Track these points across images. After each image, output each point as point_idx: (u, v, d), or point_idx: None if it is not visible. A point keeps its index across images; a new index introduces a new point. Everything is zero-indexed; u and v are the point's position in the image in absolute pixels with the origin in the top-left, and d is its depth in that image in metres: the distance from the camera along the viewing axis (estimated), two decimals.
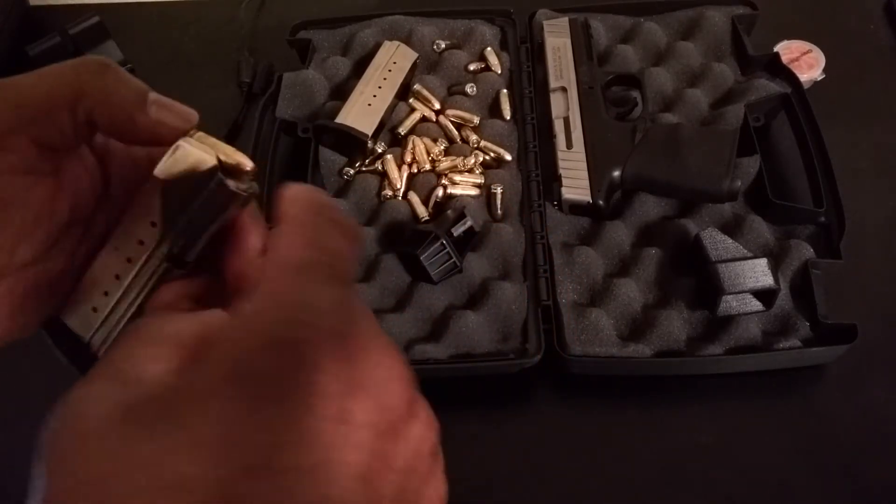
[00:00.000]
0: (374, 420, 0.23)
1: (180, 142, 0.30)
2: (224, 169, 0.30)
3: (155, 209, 0.31)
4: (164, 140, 0.30)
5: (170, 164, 0.30)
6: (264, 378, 0.21)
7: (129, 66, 0.83)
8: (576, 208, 0.71)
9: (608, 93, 0.76)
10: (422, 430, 0.25)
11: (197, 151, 0.30)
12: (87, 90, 0.28)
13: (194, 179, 0.30)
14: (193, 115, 0.30)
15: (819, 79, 0.81)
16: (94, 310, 0.32)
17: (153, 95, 0.30)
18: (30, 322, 0.32)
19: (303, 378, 0.21)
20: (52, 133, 0.29)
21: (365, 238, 0.69)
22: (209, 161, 0.30)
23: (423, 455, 0.25)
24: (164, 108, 0.30)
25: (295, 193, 0.26)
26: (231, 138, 0.81)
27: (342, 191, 0.74)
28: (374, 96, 0.76)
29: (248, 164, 0.31)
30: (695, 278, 0.66)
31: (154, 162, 0.33)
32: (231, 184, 0.30)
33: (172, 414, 0.21)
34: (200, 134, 0.31)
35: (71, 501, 0.21)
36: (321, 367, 0.22)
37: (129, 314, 0.32)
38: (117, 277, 0.32)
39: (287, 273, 0.24)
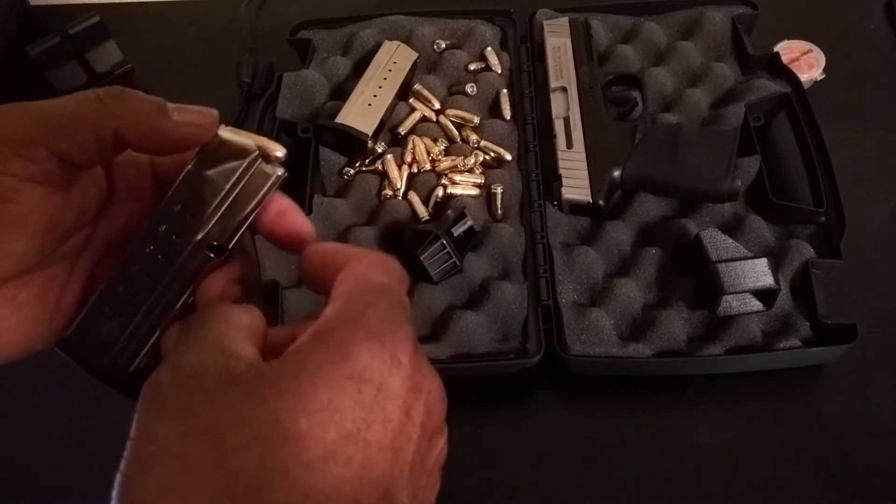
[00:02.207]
0: (423, 422, 0.27)
1: (219, 132, 0.32)
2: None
3: (191, 202, 0.32)
4: (193, 141, 0.31)
5: (207, 154, 0.32)
6: (363, 363, 0.26)
7: (128, 66, 0.83)
8: (576, 208, 0.71)
9: (608, 93, 0.77)
10: (443, 446, 0.29)
11: (237, 138, 0.32)
12: (110, 109, 0.30)
13: (232, 167, 0.31)
14: (214, 111, 0.32)
15: (819, 79, 0.81)
16: (119, 315, 0.32)
17: (172, 104, 0.31)
18: (36, 335, 0.32)
19: (388, 370, 0.26)
20: (72, 148, 0.29)
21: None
22: (250, 147, 0.31)
23: (437, 467, 0.29)
24: (186, 111, 0.31)
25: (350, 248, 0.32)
26: None
27: (342, 191, 0.74)
28: (375, 96, 0.76)
29: (279, 150, 0.32)
30: (695, 278, 0.66)
31: (159, 170, 0.33)
32: (268, 168, 0.32)
33: (286, 382, 0.25)
34: (229, 127, 0.32)
35: (186, 445, 0.24)
36: (402, 363, 0.27)
37: (172, 309, 0.32)
38: (148, 276, 0.32)
39: (374, 290, 0.29)
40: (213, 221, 0.31)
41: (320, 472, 0.24)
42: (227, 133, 0.32)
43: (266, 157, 0.32)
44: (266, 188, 0.32)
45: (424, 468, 0.28)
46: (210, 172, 0.31)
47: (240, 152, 0.31)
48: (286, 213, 0.33)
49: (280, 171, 0.32)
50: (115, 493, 0.25)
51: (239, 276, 0.33)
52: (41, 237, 0.30)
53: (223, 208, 0.31)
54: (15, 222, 0.29)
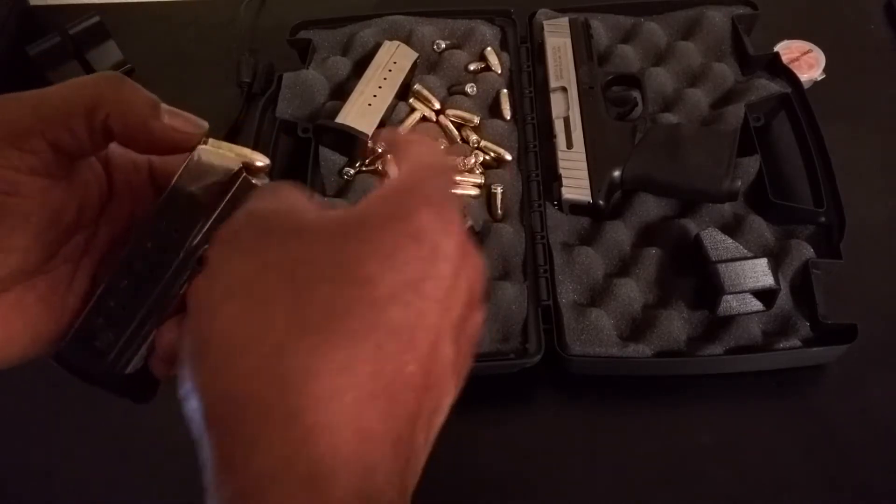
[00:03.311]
0: (468, 289, 0.29)
1: (198, 149, 0.32)
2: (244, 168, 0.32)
3: (177, 218, 0.31)
4: (177, 146, 0.32)
5: (192, 170, 0.32)
6: (423, 223, 0.28)
7: (128, 66, 0.83)
8: (576, 208, 0.71)
9: (608, 93, 0.77)
10: (479, 322, 0.31)
11: (219, 157, 0.32)
12: (104, 98, 0.30)
13: (218, 182, 0.31)
14: (204, 123, 0.32)
15: (819, 79, 0.81)
16: (113, 327, 0.32)
17: (166, 106, 0.31)
18: (43, 338, 0.32)
19: (443, 232, 0.28)
20: (67, 137, 0.29)
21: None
22: (233, 163, 0.31)
23: (472, 341, 0.31)
24: (176, 115, 0.31)
25: (407, 135, 0.35)
26: (231, 138, 0.81)
27: (342, 191, 0.74)
28: (375, 96, 0.76)
29: (263, 161, 0.32)
30: (695, 278, 0.66)
31: (157, 171, 0.33)
32: (253, 180, 0.32)
33: (354, 230, 0.28)
34: (212, 140, 0.32)
35: (265, 276, 0.27)
36: (454, 231, 0.29)
37: (164, 314, 0.32)
38: (138, 289, 0.32)
39: (430, 169, 0.31)
40: (199, 237, 0.31)
41: (383, 311, 0.26)
42: (209, 148, 0.32)
43: (250, 168, 0.32)
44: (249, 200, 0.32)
45: (465, 332, 0.30)
46: (194, 188, 0.31)
47: (223, 168, 0.31)
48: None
49: (263, 181, 0.32)
50: (189, 323, 0.28)
51: None
52: (44, 231, 0.30)
53: (209, 223, 0.31)
54: (17, 215, 0.29)
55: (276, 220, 0.29)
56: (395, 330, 0.26)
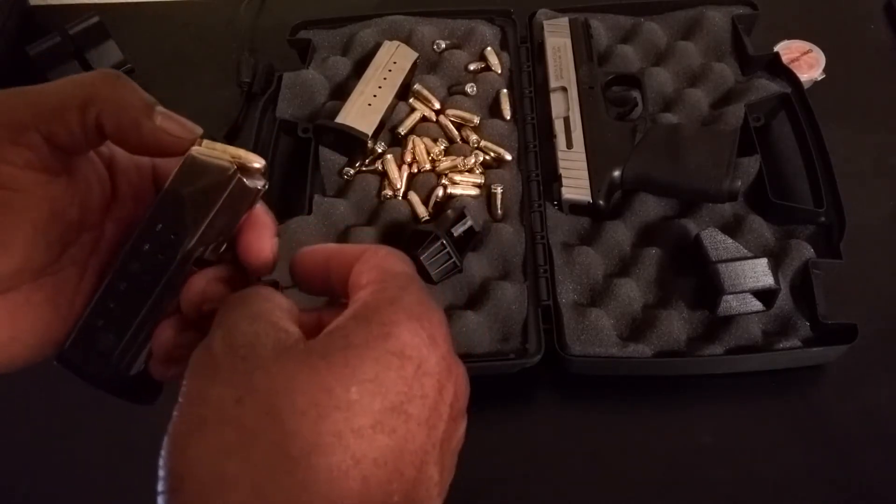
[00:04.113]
0: (452, 403, 0.29)
1: (192, 151, 0.31)
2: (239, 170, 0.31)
3: (172, 221, 0.31)
4: (167, 149, 0.31)
5: (186, 172, 0.31)
6: (405, 340, 0.27)
7: (128, 66, 0.83)
8: (576, 208, 0.71)
9: (608, 93, 0.76)
10: (463, 432, 0.30)
11: (213, 159, 0.31)
12: (98, 94, 0.30)
13: (212, 185, 0.31)
14: (198, 129, 0.32)
15: (819, 79, 0.81)
16: (114, 328, 0.32)
17: (162, 108, 0.31)
18: (49, 338, 0.32)
19: (426, 348, 0.28)
20: (61, 132, 0.29)
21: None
22: (227, 167, 0.31)
23: (456, 451, 0.30)
24: (169, 118, 0.31)
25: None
26: (231, 138, 0.81)
27: (342, 191, 0.74)
28: (375, 96, 0.76)
29: (258, 162, 0.32)
30: (695, 278, 0.66)
31: (160, 173, 0.33)
32: (248, 182, 0.31)
33: (336, 355, 0.27)
34: (206, 142, 0.32)
35: (242, 409, 0.25)
36: (438, 344, 0.28)
37: (163, 315, 0.32)
38: (138, 292, 0.32)
39: (400, 277, 0.30)
40: (195, 239, 0.31)
41: (369, 440, 0.25)
42: (203, 150, 0.31)
43: (245, 169, 0.31)
44: (246, 202, 0.32)
45: (450, 447, 0.29)
46: (189, 191, 0.31)
47: (217, 169, 0.31)
48: (255, 237, 0.33)
49: (260, 184, 0.32)
50: (163, 454, 0.26)
51: (225, 275, 0.33)
52: (45, 227, 0.30)
53: (204, 225, 0.31)
54: (16, 210, 0.29)
55: (254, 345, 0.27)
56: (381, 460, 0.25)
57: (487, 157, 0.75)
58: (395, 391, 0.26)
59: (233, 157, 0.31)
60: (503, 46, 0.83)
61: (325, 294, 0.33)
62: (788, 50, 0.82)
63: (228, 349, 0.28)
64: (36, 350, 0.32)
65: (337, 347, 0.27)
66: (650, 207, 0.71)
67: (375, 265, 0.30)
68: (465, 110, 0.78)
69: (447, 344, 0.29)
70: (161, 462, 0.26)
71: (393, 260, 0.31)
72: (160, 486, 0.26)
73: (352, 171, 0.75)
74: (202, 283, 0.32)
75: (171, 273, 0.32)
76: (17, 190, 0.29)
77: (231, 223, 0.32)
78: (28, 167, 0.29)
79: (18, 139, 0.29)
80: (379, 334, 0.27)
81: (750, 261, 0.63)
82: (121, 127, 0.30)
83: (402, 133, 0.77)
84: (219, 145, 0.32)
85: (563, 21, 0.81)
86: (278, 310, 0.30)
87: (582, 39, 0.79)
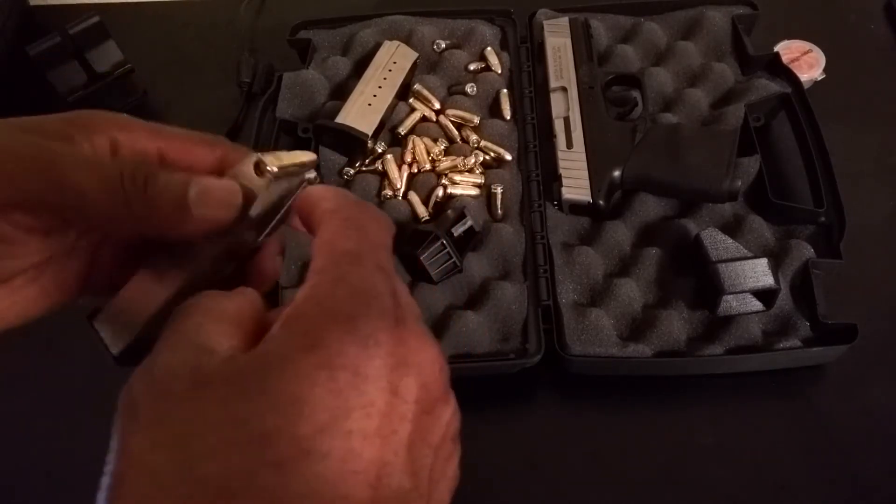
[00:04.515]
0: (418, 397, 0.25)
1: (268, 176, 0.32)
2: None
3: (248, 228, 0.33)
4: (216, 229, 0.31)
5: (264, 199, 0.32)
6: (334, 349, 0.24)
7: (128, 66, 0.83)
8: (576, 208, 0.71)
9: (608, 93, 0.76)
10: (451, 416, 0.28)
11: (286, 175, 0.32)
12: (133, 214, 0.29)
13: (286, 196, 0.33)
14: (237, 195, 0.31)
15: (819, 79, 0.81)
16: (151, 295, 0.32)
17: (193, 189, 0.29)
18: (32, 313, 0.32)
19: (363, 352, 0.24)
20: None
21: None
22: (300, 181, 0.33)
23: (449, 438, 0.28)
24: (205, 202, 0.30)
25: (328, 193, 0.30)
26: (231, 138, 0.81)
27: None
28: (375, 96, 0.76)
29: (311, 159, 0.33)
30: (695, 278, 0.66)
31: (170, 159, 0.33)
32: (309, 181, 0.33)
33: (252, 380, 0.24)
34: (268, 156, 0.32)
35: (156, 456, 0.23)
36: (380, 342, 0.25)
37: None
38: (176, 267, 0.32)
39: (343, 261, 0.27)
40: (259, 236, 0.33)
41: (292, 473, 0.22)
42: (274, 171, 0.32)
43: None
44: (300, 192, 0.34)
45: (429, 444, 0.26)
46: (261, 211, 0.32)
47: (290, 186, 0.33)
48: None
49: (311, 176, 0.34)
50: None
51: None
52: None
53: (269, 224, 0.33)
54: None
55: (171, 380, 0.25)
56: (308, 493, 0.22)
57: (487, 157, 0.75)
58: (325, 408, 0.23)
59: (290, 162, 0.32)
60: (503, 46, 0.83)
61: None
62: (788, 50, 0.82)
63: (146, 388, 0.25)
64: (17, 321, 0.32)
65: (256, 370, 0.24)
66: (650, 207, 0.71)
67: (324, 244, 0.28)
68: (465, 110, 0.78)
69: (395, 336, 0.25)
70: None
71: (343, 235, 0.28)
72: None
73: (352, 171, 0.75)
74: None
75: (208, 267, 0.32)
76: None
77: (284, 215, 0.34)
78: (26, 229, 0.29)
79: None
80: (302, 346, 0.24)
81: (750, 261, 0.62)
82: (163, 236, 0.30)
83: (402, 133, 0.77)
84: (281, 155, 0.32)
85: (563, 21, 0.81)
86: (212, 323, 0.27)
87: (582, 39, 0.79)
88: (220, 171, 0.32)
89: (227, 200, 0.30)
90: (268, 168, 0.31)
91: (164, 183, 0.29)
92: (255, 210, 0.32)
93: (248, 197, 0.31)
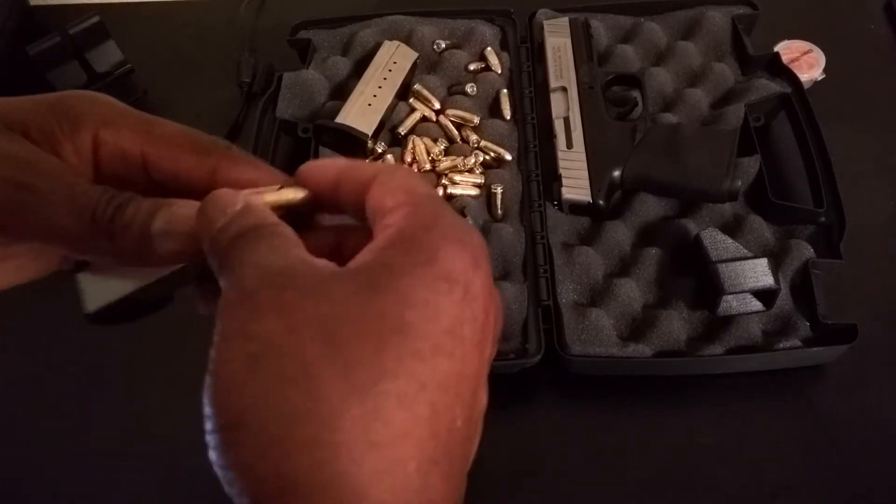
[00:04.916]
0: (494, 329, 0.28)
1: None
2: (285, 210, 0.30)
3: None
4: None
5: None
6: (449, 264, 0.26)
7: (128, 66, 0.83)
8: (576, 208, 0.71)
9: (608, 93, 0.76)
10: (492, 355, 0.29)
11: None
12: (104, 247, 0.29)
13: None
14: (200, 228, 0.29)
15: (819, 79, 0.81)
16: None
17: (157, 223, 0.29)
18: (8, 282, 0.32)
19: (472, 269, 0.26)
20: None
21: None
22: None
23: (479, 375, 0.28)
24: (168, 241, 0.29)
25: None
26: (231, 138, 0.81)
27: None
28: (375, 96, 0.76)
29: (302, 196, 0.31)
30: (695, 278, 0.66)
31: (152, 162, 0.32)
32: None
33: (383, 279, 0.25)
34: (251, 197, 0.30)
35: (295, 338, 0.24)
36: (480, 265, 0.27)
37: None
38: None
39: (429, 197, 0.28)
40: None
41: (431, 363, 0.24)
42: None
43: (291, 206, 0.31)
44: None
45: (488, 370, 0.28)
46: None
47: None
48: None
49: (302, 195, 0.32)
50: (209, 393, 0.24)
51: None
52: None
53: None
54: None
55: (294, 276, 0.26)
56: (444, 384, 0.25)
57: (487, 157, 0.75)
58: (448, 315, 0.25)
59: (286, 204, 0.30)
60: (503, 46, 0.83)
61: (334, 210, 0.31)
62: (788, 50, 0.82)
63: (265, 283, 0.25)
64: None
65: (381, 274, 0.25)
66: (650, 207, 0.71)
67: (399, 186, 0.28)
68: (465, 110, 0.78)
69: (488, 265, 0.28)
70: (207, 400, 0.24)
71: (416, 180, 0.29)
72: (209, 425, 0.24)
73: None
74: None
75: None
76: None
77: None
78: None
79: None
80: (423, 260, 0.26)
81: (750, 261, 0.62)
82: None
83: (402, 133, 0.77)
84: (267, 194, 0.30)
85: (563, 21, 0.81)
86: (297, 247, 0.27)
87: (582, 39, 0.79)
88: (209, 183, 0.31)
89: (193, 235, 0.29)
90: None
91: (130, 215, 0.29)
92: None
93: None
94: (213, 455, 0.24)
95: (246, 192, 0.30)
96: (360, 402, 0.23)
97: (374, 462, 0.23)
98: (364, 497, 0.23)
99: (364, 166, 0.30)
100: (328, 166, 0.30)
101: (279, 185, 0.31)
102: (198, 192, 0.30)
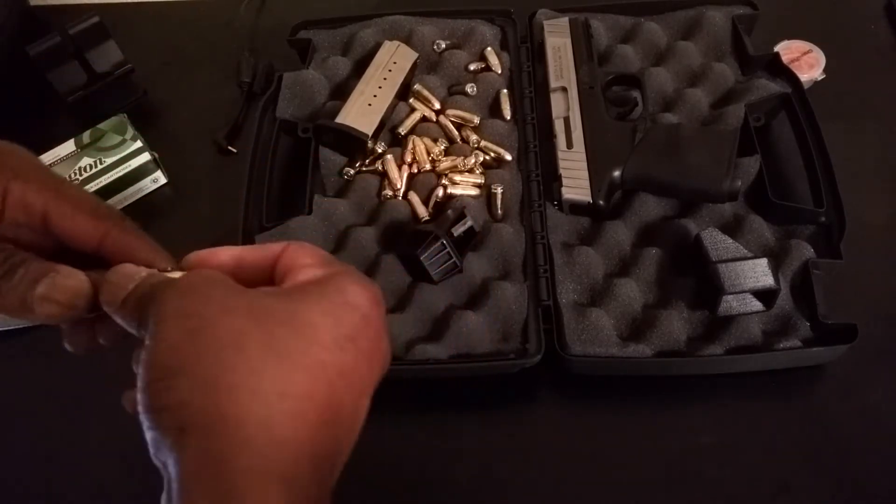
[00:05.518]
0: (382, 347, 0.34)
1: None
2: None
3: None
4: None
5: None
6: (355, 298, 0.33)
7: (128, 66, 0.83)
8: (576, 208, 0.71)
9: (608, 93, 0.76)
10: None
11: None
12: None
13: None
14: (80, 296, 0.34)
15: (819, 79, 0.81)
16: None
17: (40, 290, 0.33)
18: None
19: (372, 307, 0.34)
20: None
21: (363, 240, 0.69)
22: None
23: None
24: (47, 303, 0.33)
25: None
26: (231, 138, 0.81)
27: (342, 191, 0.74)
28: (375, 96, 0.76)
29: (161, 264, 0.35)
30: (695, 278, 0.66)
31: (54, 220, 0.35)
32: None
33: (296, 296, 0.32)
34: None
35: (240, 316, 0.30)
36: (380, 304, 0.34)
37: None
38: None
39: (332, 260, 0.35)
40: None
41: (331, 353, 0.31)
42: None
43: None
44: None
45: (372, 392, 0.34)
46: None
47: None
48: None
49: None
50: (144, 364, 0.29)
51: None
52: None
53: None
54: None
55: (224, 280, 0.32)
56: (341, 371, 0.31)
57: (487, 157, 0.75)
58: (348, 325, 0.32)
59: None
60: (503, 46, 0.83)
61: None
62: (788, 50, 0.82)
63: (197, 285, 0.31)
64: None
65: (298, 293, 0.32)
66: (650, 207, 0.71)
67: (312, 250, 0.35)
68: (465, 110, 0.78)
69: (384, 310, 0.34)
70: (144, 363, 0.29)
71: (322, 250, 0.35)
72: (145, 379, 0.29)
73: (352, 172, 0.75)
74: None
75: None
76: None
77: None
78: None
79: None
80: (334, 290, 0.32)
81: (750, 261, 0.62)
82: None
83: (402, 133, 0.77)
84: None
85: (563, 21, 0.81)
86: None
87: (582, 39, 0.79)
88: (99, 246, 0.35)
89: (71, 303, 0.33)
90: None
91: (18, 279, 0.33)
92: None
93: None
94: (144, 399, 0.29)
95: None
96: (276, 365, 0.29)
97: (283, 407, 0.29)
98: (271, 431, 0.28)
99: (268, 246, 0.35)
100: (220, 252, 0.35)
101: (168, 267, 0.35)
102: (87, 252, 0.35)
